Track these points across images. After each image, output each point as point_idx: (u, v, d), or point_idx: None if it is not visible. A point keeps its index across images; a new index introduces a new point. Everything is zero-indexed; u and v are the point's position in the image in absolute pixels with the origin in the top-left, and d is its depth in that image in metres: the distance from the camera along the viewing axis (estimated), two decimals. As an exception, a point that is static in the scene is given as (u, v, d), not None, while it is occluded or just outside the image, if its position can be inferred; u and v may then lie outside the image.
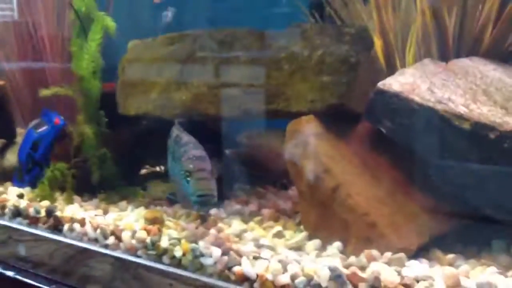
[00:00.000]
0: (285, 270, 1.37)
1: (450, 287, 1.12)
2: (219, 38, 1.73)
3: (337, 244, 1.44)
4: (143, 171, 2.21)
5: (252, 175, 1.94)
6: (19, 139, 2.32)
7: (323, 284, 1.29)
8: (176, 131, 1.75)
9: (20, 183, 2.18)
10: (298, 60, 1.58)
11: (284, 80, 1.61)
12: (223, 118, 1.74)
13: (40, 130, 2.14)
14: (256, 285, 1.39)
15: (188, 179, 1.54)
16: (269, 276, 1.37)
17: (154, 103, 1.83)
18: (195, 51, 1.76)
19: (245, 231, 1.61)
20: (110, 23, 1.89)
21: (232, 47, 1.70)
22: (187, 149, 1.63)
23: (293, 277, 1.33)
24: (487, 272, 1.17)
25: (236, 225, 1.65)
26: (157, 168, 2.21)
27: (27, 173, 2.15)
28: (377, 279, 1.21)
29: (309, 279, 1.31)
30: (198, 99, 1.75)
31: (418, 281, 1.18)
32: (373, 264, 1.29)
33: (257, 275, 1.39)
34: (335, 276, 1.27)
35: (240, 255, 1.46)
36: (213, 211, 1.78)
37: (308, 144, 1.49)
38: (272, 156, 1.93)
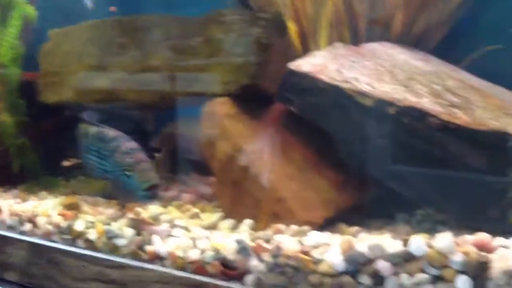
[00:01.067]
0: (195, 246, 1.38)
1: (344, 250, 1.15)
2: (138, 24, 1.74)
3: (248, 222, 1.46)
4: (67, 163, 2.18)
5: (176, 163, 1.94)
6: None
7: (230, 256, 1.30)
8: (92, 127, 1.72)
9: None
10: (214, 44, 1.61)
11: (202, 64, 1.63)
12: (143, 103, 1.75)
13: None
14: (167, 262, 1.40)
15: (129, 173, 1.52)
16: (180, 253, 1.38)
17: (74, 90, 1.83)
18: (114, 37, 1.77)
19: (161, 214, 1.62)
20: (30, 10, 1.88)
21: (151, 33, 1.72)
22: (119, 144, 1.60)
23: (202, 252, 1.34)
24: (383, 238, 1.21)
25: (154, 209, 1.65)
26: (80, 160, 2.19)
27: None
28: (278, 248, 1.23)
29: (217, 252, 1.32)
30: (118, 85, 1.75)
31: (315, 248, 1.20)
32: (277, 236, 1.31)
33: (168, 253, 1.40)
34: (241, 248, 1.29)
35: (153, 235, 1.46)
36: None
37: (222, 125, 1.51)
38: (196, 145, 1.94)
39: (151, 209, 1.65)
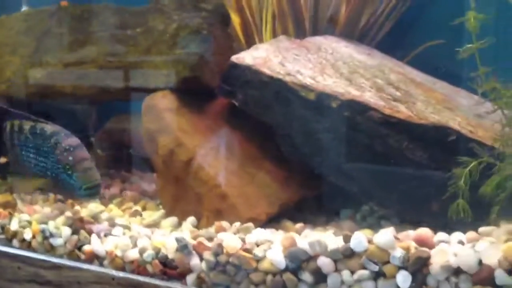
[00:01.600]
0: (134, 245, 1.34)
1: (286, 247, 1.13)
2: (76, 13, 1.67)
3: (191, 219, 1.42)
4: (2, 160, 2.09)
5: (117, 159, 1.89)
6: None
7: (170, 255, 1.26)
8: (27, 122, 1.63)
9: None
10: (154, 35, 1.55)
11: (141, 56, 1.57)
12: (81, 97, 1.68)
13: None
14: (106, 262, 1.35)
15: (69, 172, 1.44)
16: (118, 252, 1.33)
17: (8, 82, 1.74)
18: (51, 27, 1.69)
19: (101, 212, 1.56)
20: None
21: (89, 23, 1.65)
22: (59, 139, 1.51)
23: (141, 251, 1.30)
24: (323, 235, 1.19)
25: (93, 207, 1.59)
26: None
27: None
28: (220, 246, 1.20)
29: (157, 251, 1.28)
30: (54, 77, 1.68)
31: (258, 245, 1.18)
32: (220, 234, 1.28)
33: (107, 252, 1.35)
34: (181, 247, 1.25)
35: (91, 234, 1.41)
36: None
37: (162, 119, 1.46)
38: (138, 140, 1.89)
39: (91, 207, 1.59)
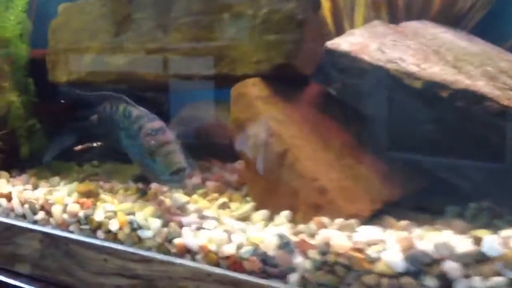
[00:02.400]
0: (229, 240, 1.28)
1: (404, 249, 1.06)
2: (157, -3, 1.61)
3: (285, 213, 1.36)
4: (78, 147, 2.06)
5: (197, 148, 1.83)
6: None
7: (270, 252, 1.20)
8: (120, 104, 1.60)
9: None
10: (242, 20, 1.48)
11: (228, 42, 1.51)
12: (162, 84, 1.62)
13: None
14: (198, 257, 1.30)
15: (152, 157, 1.41)
16: (213, 247, 1.28)
17: (87, 69, 1.70)
18: (130, 12, 1.64)
19: (187, 203, 1.51)
20: (37, -18, 1.74)
21: (172, 8, 1.59)
22: (142, 124, 1.48)
23: (238, 247, 1.24)
24: (443, 235, 1.11)
25: (178, 197, 1.54)
26: (94, 144, 2.06)
27: None
28: (327, 245, 1.14)
29: (255, 247, 1.22)
30: (135, 64, 1.63)
31: (370, 245, 1.10)
32: (323, 231, 1.21)
33: (200, 247, 1.29)
34: (283, 244, 1.19)
35: (182, 227, 1.36)
36: (154, 185, 1.66)
37: (254, 107, 1.40)
38: (217, 129, 1.84)
39: (175, 198, 1.54)
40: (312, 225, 1.24)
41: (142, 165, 1.50)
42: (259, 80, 1.43)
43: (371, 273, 1.08)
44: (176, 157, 1.42)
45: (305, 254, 1.17)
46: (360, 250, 1.10)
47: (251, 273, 1.23)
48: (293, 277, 1.17)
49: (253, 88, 1.42)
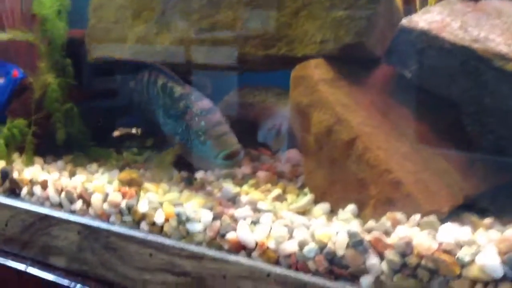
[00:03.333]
0: (291, 236, 1.15)
1: (503, 252, 0.91)
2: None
3: (351, 208, 1.22)
4: (116, 133, 1.94)
5: (244, 136, 1.70)
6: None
7: (340, 252, 1.07)
8: (160, 77, 1.48)
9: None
10: (305, -5, 1.35)
11: (287, 20, 1.37)
12: (212, 66, 1.49)
13: (-5, 84, 1.86)
14: (254, 254, 1.17)
15: (202, 139, 1.31)
16: (271, 244, 1.15)
17: (130, 50, 1.58)
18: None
19: (238, 194, 1.38)
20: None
21: (225, -17, 1.46)
22: (189, 103, 1.38)
23: (301, 244, 1.11)
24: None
25: (229, 188, 1.41)
26: (133, 130, 1.95)
27: (-20, 134, 1.87)
28: (408, 245, 1.00)
29: (322, 246, 1.09)
30: (184, 44, 1.50)
31: (460, 247, 0.96)
32: (399, 228, 1.07)
33: (257, 243, 1.16)
34: (355, 243, 1.05)
35: (235, 220, 1.23)
36: (199, 173, 1.54)
37: (317, 91, 1.26)
38: (267, 115, 1.70)
39: (227, 189, 1.41)
40: (386, 222, 1.10)
41: (186, 148, 1.39)
42: (323, 61, 1.30)
43: (461, 278, 0.94)
44: (230, 139, 1.32)
45: (380, 255, 1.03)
46: (448, 252, 0.96)
47: (316, 273, 1.10)
48: (366, 280, 1.04)
49: (316, 70, 1.28)
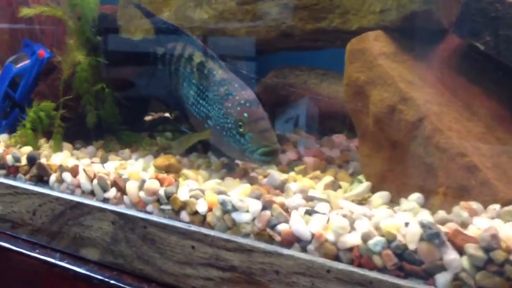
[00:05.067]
0: (352, 228, 1.03)
1: None
2: None
3: (416, 196, 1.10)
4: (148, 117, 1.83)
5: (287, 120, 1.58)
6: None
7: (411, 245, 0.94)
8: (196, 54, 1.37)
9: (-5, 129, 1.80)
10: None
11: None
12: (257, 41, 1.37)
13: (20, 64, 1.75)
14: (310, 247, 1.05)
15: (241, 130, 1.23)
16: (330, 236, 1.02)
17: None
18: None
19: (286, 181, 1.26)
20: None
21: None
22: (232, 90, 1.30)
23: (365, 237, 0.99)
24: None
25: (275, 175, 1.29)
26: (166, 114, 1.83)
27: (4, 117, 1.76)
28: (494, 238, 0.87)
29: (390, 239, 0.96)
30: (225, 18, 1.38)
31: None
32: (477, 219, 0.95)
33: (313, 235, 1.04)
34: (430, 235, 0.92)
35: (287, 210, 1.11)
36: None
37: (377, 66, 1.14)
38: (311, 98, 1.58)
39: (272, 175, 1.29)
40: (461, 212, 0.98)
41: (217, 134, 1.31)
42: (383, 33, 1.17)
43: (562, 277, 0.81)
44: (272, 136, 1.25)
45: (460, 249, 0.91)
46: (544, 247, 0.84)
47: (382, 270, 0.97)
48: (443, 278, 0.91)
49: (376, 43, 1.15)
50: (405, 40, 1.17)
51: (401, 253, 0.95)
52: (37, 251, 1.39)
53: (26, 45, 1.80)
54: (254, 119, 1.25)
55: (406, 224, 0.97)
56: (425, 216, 0.99)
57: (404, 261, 0.95)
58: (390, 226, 0.98)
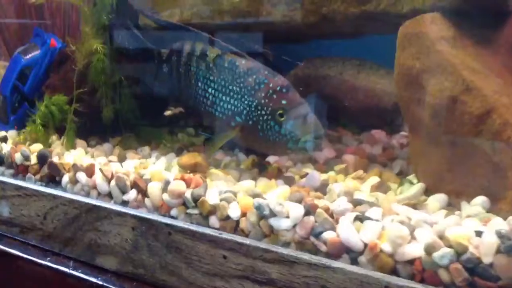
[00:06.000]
0: (412, 237, 0.89)
1: None
2: None
3: (481, 200, 0.96)
4: (168, 112, 1.69)
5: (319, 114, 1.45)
6: (2, 72, 1.80)
7: (486, 259, 0.81)
8: (209, 49, 1.27)
9: (2, 125, 1.67)
10: None
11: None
12: (295, 27, 1.24)
13: (30, 55, 1.63)
14: (362, 259, 0.92)
15: (281, 119, 1.14)
16: (386, 247, 0.89)
17: (193, 9, 1.32)
18: None
19: (327, 182, 1.13)
20: None
21: None
22: (262, 78, 1.19)
23: (429, 248, 0.85)
24: None
25: (313, 174, 1.16)
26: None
27: (13, 111, 1.64)
28: None
29: (460, 251, 0.83)
30: (257, 1, 1.25)
31: None
32: None
33: (365, 245, 0.91)
34: (510, 247, 0.79)
35: (332, 215, 0.98)
36: (271, 158, 1.30)
37: (436, 52, 1.00)
38: (345, 90, 1.45)
39: (313, 175, 1.16)
40: (541, 220, 0.84)
41: (250, 131, 1.20)
42: (439, 15, 1.03)
43: None
44: (315, 120, 1.14)
45: (546, 264, 0.77)
46: None
47: (449, 286, 0.84)
48: (524, 297, 0.78)
49: (433, 26, 1.02)
50: (465, 23, 1.03)
51: (473, 267, 0.82)
52: (48, 259, 1.28)
53: (36, 35, 1.67)
54: (294, 105, 1.16)
55: (478, 234, 0.84)
56: (500, 224, 0.85)
57: (477, 276, 0.82)
58: (459, 235, 0.85)
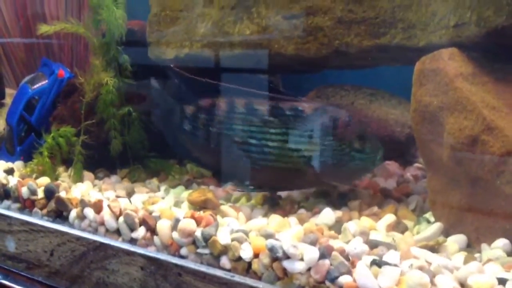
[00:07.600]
0: (433, 284, 0.86)
1: None
2: None
3: (502, 243, 0.93)
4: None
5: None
6: (8, 101, 1.78)
7: (510, 311, 0.77)
8: (252, 102, 1.22)
9: (9, 156, 1.64)
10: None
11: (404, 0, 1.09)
12: (306, 60, 1.21)
13: (38, 85, 1.61)
14: (381, 308, 0.88)
15: (360, 147, 1.17)
16: (407, 294, 0.86)
17: (202, 41, 1.30)
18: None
19: (341, 220, 1.10)
20: None
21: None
22: (333, 114, 1.18)
23: (450, 297, 0.82)
24: None
25: (326, 211, 1.13)
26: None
27: (20, 142, 1.62)
28: None
29: (484, 301, 0.79)
30: (270, 34, 1.22)
31: None
32: None
33: (385, 292, 0.88)
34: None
35: (348, 257, 0.94)
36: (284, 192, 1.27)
37: (454, 89, 0.97)
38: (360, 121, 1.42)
39: (324, 212, 1.13)
40: None
41: (330, 169, 1.18)
42: (458, 51, 1.00)
43: None
44: (369, 135, 1.21)
45: None
46: None
47: None
48: None
49: (452, 62, 0.99)
50: (483, 59, 1.00)
51: (500, 321, 0.78)
52: (55, 297, 1.24)
53: (44, 64, 1.65)
54: (362, 129, 1.19)
55: (502, 281, 0.80)
56: (523, 271, 0.82)
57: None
58: (481, 283, 0.81)
